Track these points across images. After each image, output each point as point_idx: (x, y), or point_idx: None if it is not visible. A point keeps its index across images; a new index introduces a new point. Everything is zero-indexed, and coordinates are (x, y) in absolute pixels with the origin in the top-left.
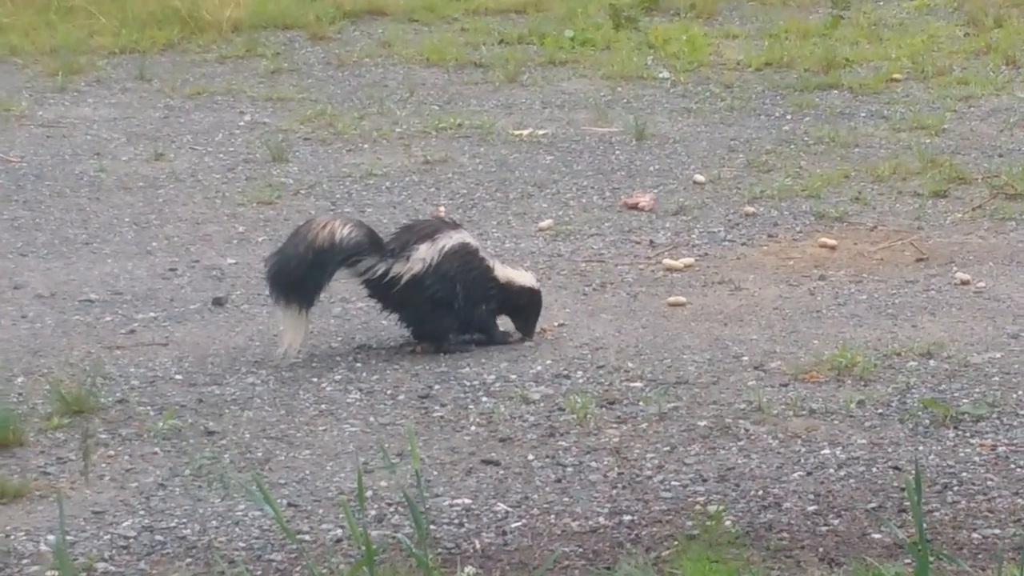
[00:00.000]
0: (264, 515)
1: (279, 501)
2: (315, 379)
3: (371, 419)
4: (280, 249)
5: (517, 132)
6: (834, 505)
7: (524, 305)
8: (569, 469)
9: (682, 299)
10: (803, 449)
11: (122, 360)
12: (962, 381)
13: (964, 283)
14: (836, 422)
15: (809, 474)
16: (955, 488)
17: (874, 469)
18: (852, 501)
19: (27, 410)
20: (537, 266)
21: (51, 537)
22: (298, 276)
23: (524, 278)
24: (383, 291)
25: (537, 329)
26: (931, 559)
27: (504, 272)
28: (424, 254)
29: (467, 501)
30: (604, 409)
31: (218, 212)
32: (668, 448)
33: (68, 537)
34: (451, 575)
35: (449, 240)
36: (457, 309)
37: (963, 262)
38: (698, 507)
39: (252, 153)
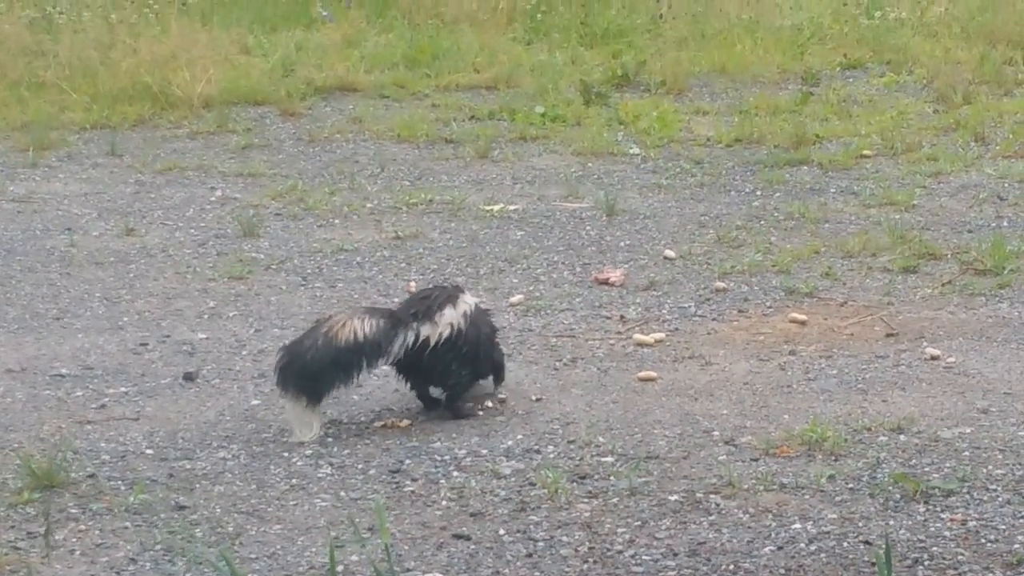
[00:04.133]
0: None
1: None
2: (286, 453)
3: (342, 493)
4: (296, 341)
5: (488, 207)
6: None
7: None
8: (540, 544)
9: (653, 374)
10: (774, 524)
11: (92, 435)
12: (932, 456)
13: (934, 358)
14: (807, 496)
15: (780, 548)
16: (926, 563)
17: (845, 543)
18: None
19: None
20: (508, 341)
21: None
22: (313, 371)
23: None
24: (414, 356)
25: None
26: None
27: None
28: (451, 318)
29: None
30: (575, 484)
31: (189, 287)
32: (639, 523)
33: None
34: None
35: (466, 305)
36: (479, 366)
37: (933, 337)
38: None
39: (223, 228)
